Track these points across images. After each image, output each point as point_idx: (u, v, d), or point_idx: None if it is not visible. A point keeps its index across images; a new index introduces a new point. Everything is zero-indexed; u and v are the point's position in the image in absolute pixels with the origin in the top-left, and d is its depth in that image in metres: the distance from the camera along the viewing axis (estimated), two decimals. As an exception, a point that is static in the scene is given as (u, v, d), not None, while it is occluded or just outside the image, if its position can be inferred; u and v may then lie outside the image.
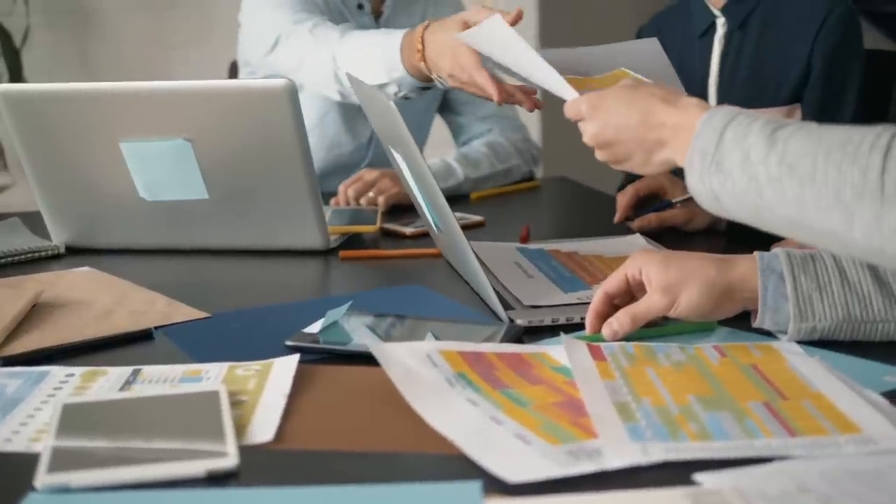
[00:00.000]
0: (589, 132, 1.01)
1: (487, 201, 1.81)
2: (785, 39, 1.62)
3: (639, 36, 1.87)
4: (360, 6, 1.92)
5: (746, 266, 0.99)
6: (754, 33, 1.65)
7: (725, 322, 1.03)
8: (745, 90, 1.67)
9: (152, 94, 1.34)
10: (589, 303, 1.04)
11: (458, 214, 1.63)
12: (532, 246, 1.39)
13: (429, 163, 1.82)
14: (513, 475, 0.72)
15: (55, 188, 1.45)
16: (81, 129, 1.38)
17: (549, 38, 3.41)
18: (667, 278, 0.99)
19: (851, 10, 1.63)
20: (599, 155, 1.01)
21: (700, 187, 0.88)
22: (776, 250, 1.00)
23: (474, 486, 0.71)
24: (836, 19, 1.61)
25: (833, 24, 1.61)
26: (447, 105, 2.05)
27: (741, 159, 0.84)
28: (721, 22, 1.67)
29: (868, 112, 1.63)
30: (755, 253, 1.00)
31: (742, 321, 1.02)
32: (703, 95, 1.77)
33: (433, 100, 2.03)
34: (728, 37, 1.67)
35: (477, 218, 1.62)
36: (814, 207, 0.80)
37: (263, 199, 1.39)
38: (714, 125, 0.87)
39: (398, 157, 1.27)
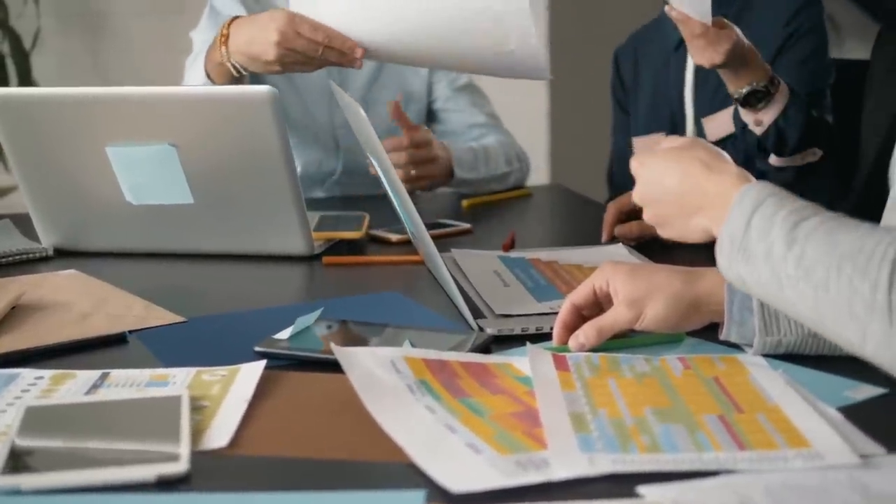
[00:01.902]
0: (636, 190, 0.99)
1: (478, 209, 1.82)
2: (756, 37, 1.64)
3: (615, 58, 1.93)
4: None
5: (713, 279, 0.99)
6: None
7: (694, 333, 1.03)
8: (718, 94, 1.69)
9: (138, 99, 1.36)
10: (562, 312, 1.04)
11: (446, 222, 1.64)
12: (514, 254, 1.39)
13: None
14: (456, 484, 0.72)
15: (43, 191, 1.46)
16: (68, 134, 1.39)
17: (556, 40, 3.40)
18: (633, 291, 0.99)
19: (819, 10, 1.73)
20: (645, 215, 0.99)
21: (730, 273, 0.88)
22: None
23: (418, 495, 0.71)
24: (804, 11, 1.72)
25: (800, 11, 1.72)
26: (433, 116, 2.05)
27: (765, 253, 0.84)
28: None
29: (844, 120, 1.66)
30: (723, 266, 0.99)
31: (711, 332, 1.02)
32: (680, 103, 1.79)
33: (418, 111, 2.02)
34: None
35: (465, 225, 1.62)
36: (829, 317, 0.80)
37: (248, 204, 1.39)
38: (744, 209, 0.86)
39: (375, 164, 1.27)
